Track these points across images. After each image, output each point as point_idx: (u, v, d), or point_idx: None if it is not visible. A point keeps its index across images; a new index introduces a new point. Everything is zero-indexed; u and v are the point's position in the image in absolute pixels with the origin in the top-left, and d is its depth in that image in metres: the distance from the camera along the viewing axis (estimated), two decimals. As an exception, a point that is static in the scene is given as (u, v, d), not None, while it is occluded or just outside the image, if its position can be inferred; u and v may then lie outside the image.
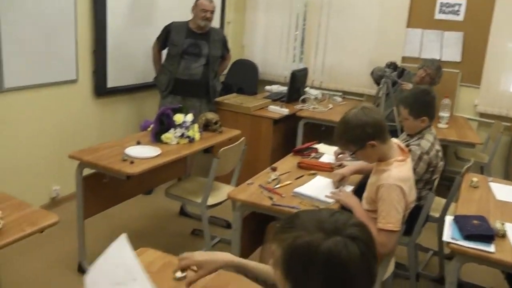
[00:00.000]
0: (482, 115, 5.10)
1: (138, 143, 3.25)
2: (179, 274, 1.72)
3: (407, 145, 2.98)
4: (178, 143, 3.33)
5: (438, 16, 5.15)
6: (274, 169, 3.01)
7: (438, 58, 5.03)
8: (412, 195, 2.47)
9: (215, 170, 3.19)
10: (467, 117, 5.10)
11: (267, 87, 5.49)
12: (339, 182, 2.83)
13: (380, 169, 2.47)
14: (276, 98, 5.04)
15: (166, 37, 4.35)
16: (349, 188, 2.81)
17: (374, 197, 2.45)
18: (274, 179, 2.83)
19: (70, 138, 4.12)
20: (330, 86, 5.63)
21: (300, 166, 3.10)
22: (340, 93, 5.52)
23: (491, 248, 2.26)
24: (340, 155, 3.23)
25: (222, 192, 3.48)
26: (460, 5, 5.04)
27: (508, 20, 4.89)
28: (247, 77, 5.73)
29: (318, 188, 2.77)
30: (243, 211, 2.65)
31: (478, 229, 2.35)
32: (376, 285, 1.20)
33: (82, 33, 4.05)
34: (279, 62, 5.87)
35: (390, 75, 4.51)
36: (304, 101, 5.01)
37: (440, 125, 4.52)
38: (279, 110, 4.58)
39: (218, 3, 5.39)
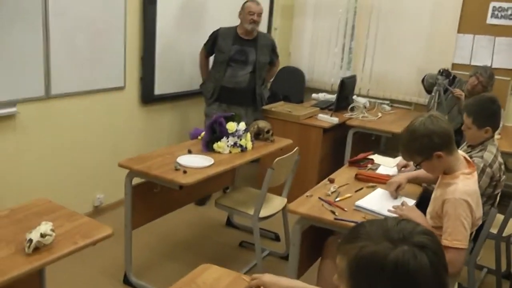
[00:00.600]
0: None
1: (189, 152, 3.16)
2: None
3: (469, 157, 2.81)
4: (230, 152, 3.23)
5: (490, 20, 4.94)
6: (331, 181, 2.88)
7: (489, 65, 4.80)
8: (479, 211, 2.31)
9: (269, 181, 3.07)
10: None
11: (314, 95, 5.36)
12: (396, 192, 2.68)
13: (445, 182, 2.32)
14: (324, 107, 4.90)
15: (213, 43, 4.27)
16: (411, 202, 2.64)
17: (439, 212, 2.29)
18: (333, 192, 2.70)
19: (116, 146, 4.07)
20: (378, 94, 5.46)
21: (358, 178, 2.96)
22: (388, 101, 5.33)
23: None
24: (403, 168, 3.08)
25: (274, 203, 3.37)
26: None
27: None
28: (293, 85, 5.62)
29: (380, 201, 2.62)
30: (302, 224, 2.52)
31: None
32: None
33: (131, 39, 4.01)
34: (326, 69, 5.75)
35: (442, 82, 4.33)
36: (352, 109, 4.85)
37: (496, 137, 4.29)
38: (329, 119, 4.44)
39: (265, 9, 5.29)
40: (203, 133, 3.45)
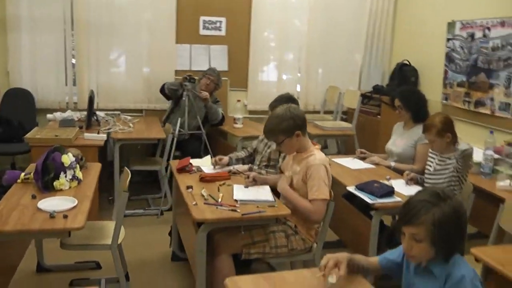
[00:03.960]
0: (251, 112, 6.00)
1: (34, 196, 2.82)
2: (331, 279, 1.88)
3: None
4: (70, 187, 3.03)
5: (203, 32, 5.83)
6: (191, 187, 3.13)
7: (206, 68, 5.59)
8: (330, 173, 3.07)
9: (125, 205, 3.06)
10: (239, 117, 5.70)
11: (50, 116, 5.08)
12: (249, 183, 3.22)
13: (303, 157, 3.03)
14: (70, 125, 4.75)
15: None
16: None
17: (305, 179, 2.96)
18: (208, 196, 2.98)
19: None
20: (107, 106, 5.56)
21: (205, 180, 3.30)
22: (118, 112, 5.54)
23: (397, 199, 3.15)
24: (219, 160, 3.62)
25: (110, 228, 3.30)
26: (221, 22, 5.85)
27: (263, 33, 5.98)
28: (23, 108, 5.13)
29: (250, 191, 3.11)
30: (207, 230, 2.76)
31: (384, 189, 3.19)
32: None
33: None
34: (51, 87, 5.44)
35: (191, 87, 4.93)
36: (99, 124, 4.91)
37: (237, 126, 5.20)
38: (97, 137, 4.41)
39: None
40: (22, 174, 3.09)
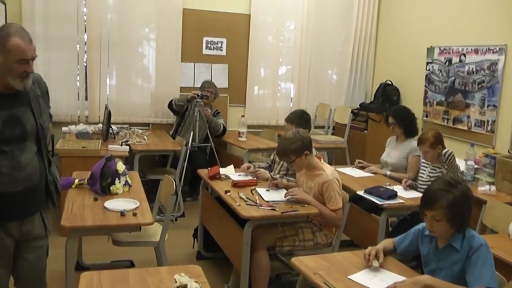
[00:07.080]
0: (249, 126, 6.46)
1: (96, 199, 3.21)
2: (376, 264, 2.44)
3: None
4: (123, 191, 3.42)
5: (206, 52, 6.33)
6: (229, 191, 3.57)
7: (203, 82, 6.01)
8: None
9: (172, 207, 3.49)
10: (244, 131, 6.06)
11: (65, 128, 5.40)
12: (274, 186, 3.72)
13: (315, 174, 3.54)
14: (86, 138, 5.10)
15: None
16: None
17: (320, 192, 3.46)
18: (247, 198, 3.44)
19: None
20: (117, 120, 5.86)
21: (239, 186, 3.74)
22: (127, 125, 5.91)
23: (401, 200, 3.74)
24: (248, 169, 4.04)
25: (149, 228, 3.68)
26: (222, 42, 6.36)
27: (259, 53, 6.51)
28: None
29: (276, 193, 3.60)
30: (252, 226, 3.21)
31: (388, 192, 3.74)
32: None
33: None
34: (63, 101, 5.79)
35: (201, 104, 5.39)
36: (114, 137, 5.26)
37: (242, 139, 5.67)
38: (121, 148, 4.79)
39: None
40: (76, 180, 3.45)
